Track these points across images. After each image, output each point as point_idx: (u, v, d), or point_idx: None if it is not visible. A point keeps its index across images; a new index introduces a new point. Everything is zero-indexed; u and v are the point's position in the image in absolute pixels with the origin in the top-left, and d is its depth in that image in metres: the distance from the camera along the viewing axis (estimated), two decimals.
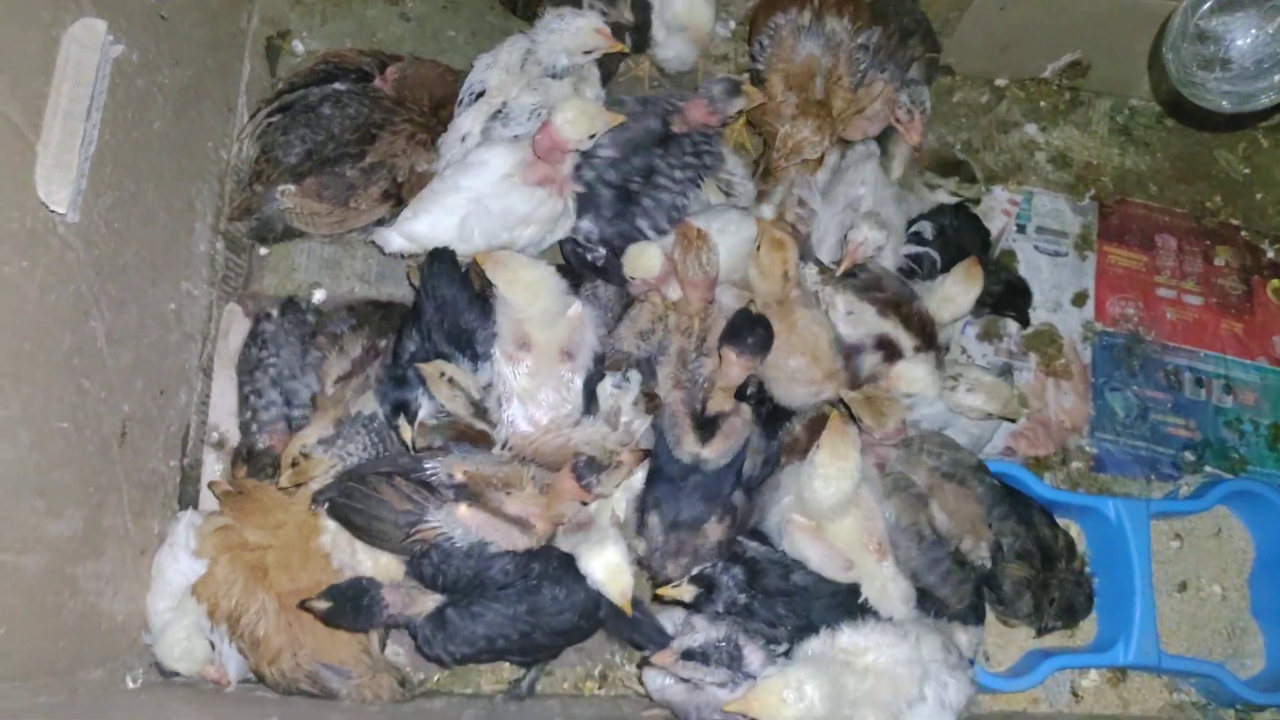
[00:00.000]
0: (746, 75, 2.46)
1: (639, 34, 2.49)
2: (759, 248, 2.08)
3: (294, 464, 1.97)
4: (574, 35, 2.23)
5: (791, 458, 2.17)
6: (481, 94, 2.33)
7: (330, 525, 1.97)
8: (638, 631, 2.01)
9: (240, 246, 2.42)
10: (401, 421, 2.02)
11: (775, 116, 2.36)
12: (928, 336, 2.24)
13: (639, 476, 2.14)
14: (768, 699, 1.71)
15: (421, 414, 2.05)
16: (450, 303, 2.12)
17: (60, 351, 1.69)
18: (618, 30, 2.38)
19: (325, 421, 2.03)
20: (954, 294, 2.26)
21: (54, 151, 1.61)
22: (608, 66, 2.46)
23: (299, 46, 2.64)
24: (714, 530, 2.06)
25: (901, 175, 2.51)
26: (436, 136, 2.34)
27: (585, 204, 2.22)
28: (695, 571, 1.97)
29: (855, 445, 1.99)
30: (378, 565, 1.98)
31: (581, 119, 2.07)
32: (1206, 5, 1.78)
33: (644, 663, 2.02)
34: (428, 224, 2.14)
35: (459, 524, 1.94)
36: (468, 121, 2.32)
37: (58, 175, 1.61)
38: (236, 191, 2.37)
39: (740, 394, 2.11)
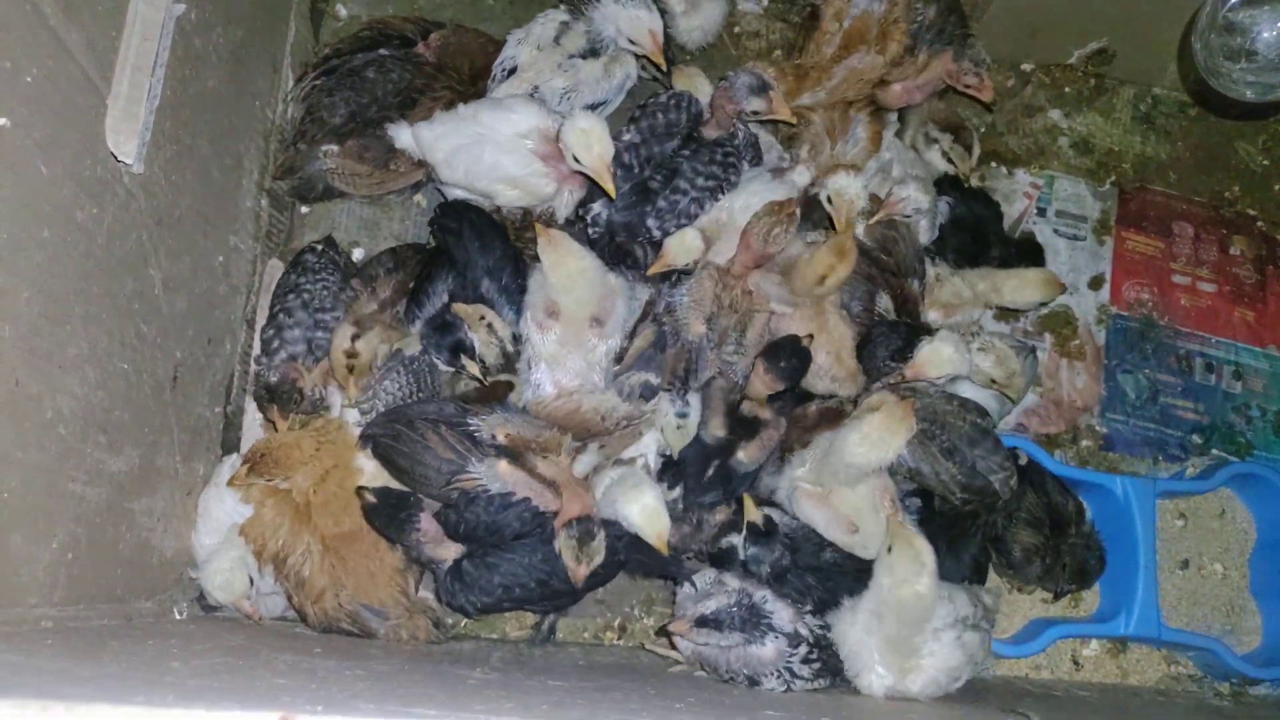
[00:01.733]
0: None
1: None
2: (825, 245, 2.12)
3: (349, 368, 2.05)
4: (629, 22, 2.28)
5: (803, 433, 2.22)
6: (513, 70, 2.39)
7: (369, 466, 2.06)
8: (670, 566, 2.08)
9: (283, 204, 2.50)
10: (466, 361, 2.10)
11: (818, 49, 2.35)
12: (907, 314, 2.32)
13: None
14: None
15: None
16: (490, 250, 2.21)
17: (123, 296, 1.77)
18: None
19: (350, 325, 2.11)
20: (1026, 295, 2.33)
21: (123, 104, 1.68)
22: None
23: (342, 11, 2.70)
24: (722, 513, 2.16)
25: (911, 137, 2.58)
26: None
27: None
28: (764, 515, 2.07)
29: (909, 430, 2.03)
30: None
31: (592, 142, 2.08)
32: None
33: (662, 630, 2.10)
34: (431, 135, 2.21)
35: (498, 478, 2.01)
36: (501, 93, 2.38)
37: (125, 127, 1.68)
38: (280, 150, 2.44)
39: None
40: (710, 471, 2.15)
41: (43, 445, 1.52)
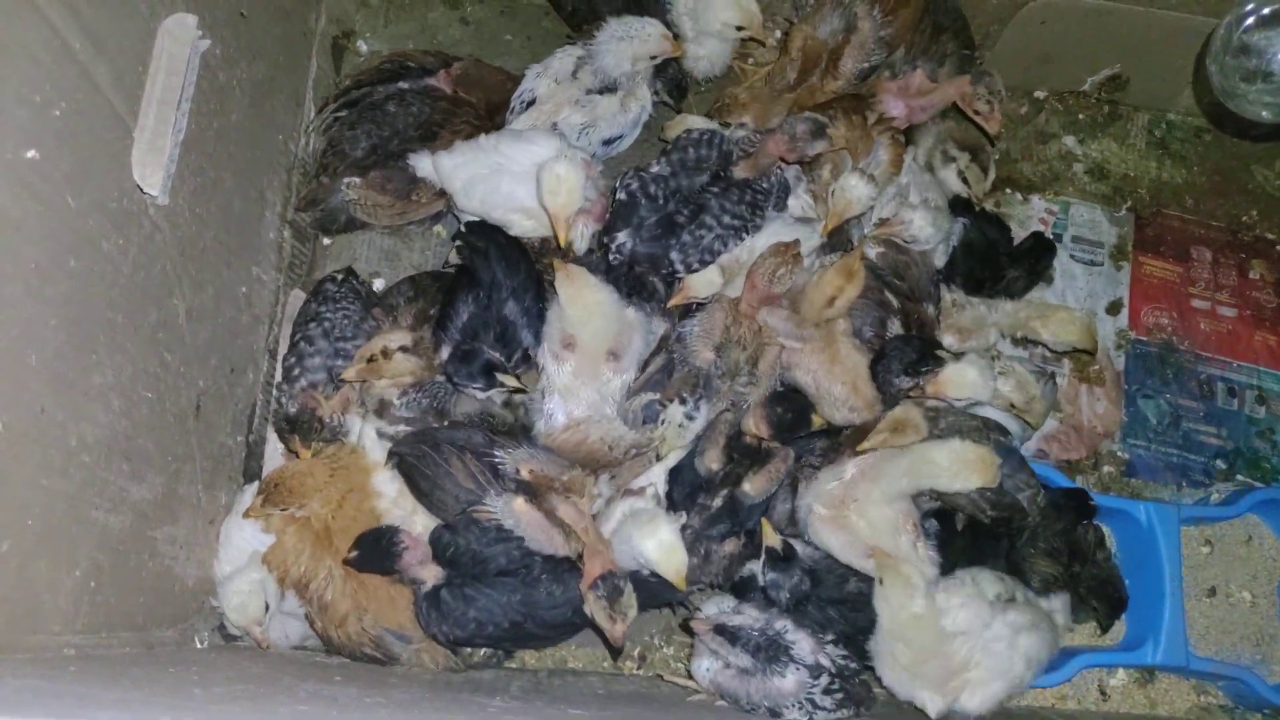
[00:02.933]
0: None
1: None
2: (833, 266, 2.12)
3: (371, 359, 2.07)
4: (644, 42, 2.32)
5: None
6: (532, 102, 2.43)
7: (389, 491, 2.06)
8: (667, 594, 2.06)
9: (305, 236, 2.53)
10: (502, 378, 2.10)
11: (780, 70, 2.45)
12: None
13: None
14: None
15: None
16: (516, 271, 2.23)
17: (147, 325, 1.80)
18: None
19: (406, 334, 2.13)
20: (1069, 334, 2.35)
21: (149, 137, 1.71)
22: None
23: (363, 46, 2.76)
24: (731, 544, 2.15)
25: (927, 154, 2.59)
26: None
27: (627, 215, 2.25)
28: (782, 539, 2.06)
29: (995, 472, 2.01)
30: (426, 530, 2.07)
31: (560, 189, 2.12)
32: (1250, 20, 1.84)
33: (683, 625, 2.08)
34: (451, 164, 2.25)
35: (512, 515, 2.01)
36: (521, 124, 2.42)
37: (151, 160, 1.72)
38: (303, 183, 2.48)
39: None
40: (719, 503, 2.14)
41: (67, 472, 1.54)
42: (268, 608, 2.02)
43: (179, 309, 1.92)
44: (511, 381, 2.08)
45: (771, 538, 2.06)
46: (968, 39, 2.64)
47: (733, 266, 2.24)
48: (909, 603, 1.93)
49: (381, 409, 2.21)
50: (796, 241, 2.14)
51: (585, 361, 2.15)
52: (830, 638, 2.06)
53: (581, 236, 2.35)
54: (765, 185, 2.29)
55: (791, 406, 2.13)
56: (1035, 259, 2.54)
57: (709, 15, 2.47)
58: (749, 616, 1.99)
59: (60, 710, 0.83)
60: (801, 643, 1.98)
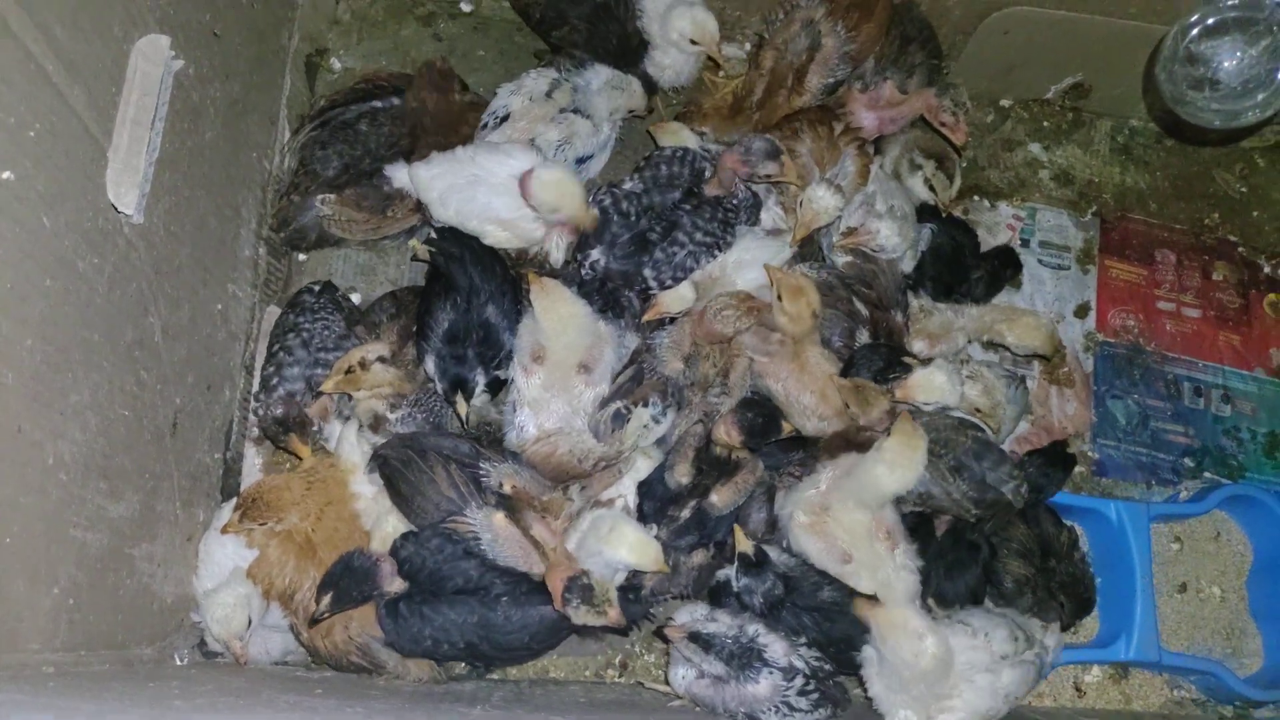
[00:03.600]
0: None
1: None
2: (779, 297, 2.15)
3: (349, 370, 2.09)
4: (632, 97, 2.42)
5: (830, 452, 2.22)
6: (505, 118, 2.45)
7: (367, 491, 2.08)
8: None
9: (280, 252, 2.54)
10: (459, 398, 2.13)
11: (750, 86, 2.50)
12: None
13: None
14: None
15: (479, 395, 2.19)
16: (492, 274, 2.27)
17: (123, 344, 1.81)
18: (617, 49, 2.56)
19: (384, 346, 2.16)
20: (1033, 340, 2.42)
21: (123, 157, 1.73)
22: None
23: (336, 64, 2.78)
24: (699, 556, 2.18)
25: (894, 161, 2.64)
26: None
27: (599, 231, 2.28)
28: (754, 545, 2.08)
29: (924, 437, 2.07)
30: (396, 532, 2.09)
31: (552, 192, 2.18)
32: (1195, 30, 1.90)
33: (659, 631, 2.10)
34: (428, 175, 2.28)
35: (490, 529, 2.03)
36: (495, 139, 2.44)
37: (126, 179, 1.73)
38: (274, 201, 2.49)
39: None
40: (686, 514, 2.16)
41: (44, 491, 1.54)
42: (250, 622, 2.03)
43: (155, 327, 1.93)
44: (462, 409, 2.12)
45: (744, 544, 2.09)
46: (935, 49, 2.69)
47: (706, 281, 2.28)
48: (921, 650, 1.93)
49: (377, 424, 2.22)
50: (761, 302, 2.17)
51: (556, 374, 2.18)
52: (803, 640, 2.08)
53: (557, 248, 2.37)
54: (735, 202, 2.32)
55: (762, 412, 2.16)
56: (1000, 265, 2.59)
57: (669, 25, 2.51)
58: (722, 624, 2.01)
59: None
60: (774, 645, 2.00)
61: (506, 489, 2.07)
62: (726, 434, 2.14)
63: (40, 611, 1.54)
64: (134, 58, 1.77)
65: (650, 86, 2.63)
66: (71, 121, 1.56)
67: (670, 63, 2.60)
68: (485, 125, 2.49)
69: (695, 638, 1.95)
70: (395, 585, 1.99)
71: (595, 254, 2.24)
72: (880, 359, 2.20)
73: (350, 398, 2.24)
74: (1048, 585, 2.30)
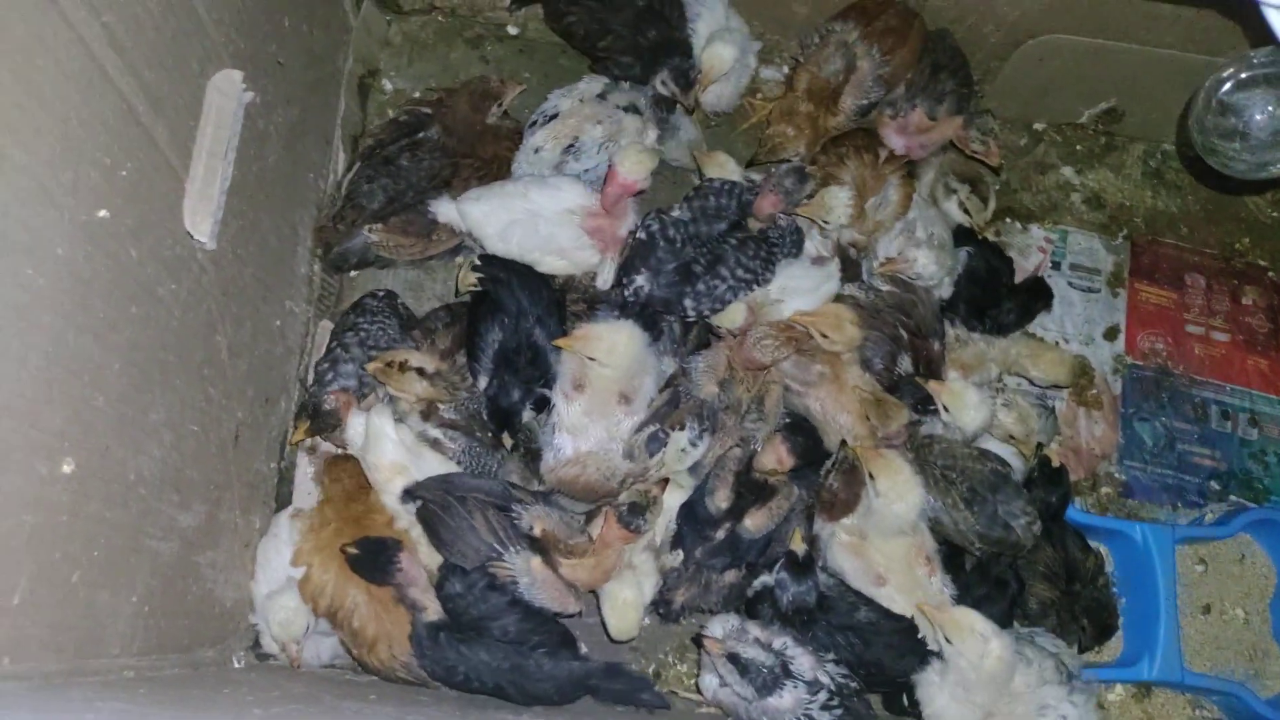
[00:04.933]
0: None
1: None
2: (824, 335, 2.23)
3: (390, 364, 2.18)
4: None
5: (832, 513, 2.27)
6: (554, 117, 2.54)
7: (400, 510, 2.17)
8: (640, 693, 2.14)
9: (333, 269, 2.63)
10: (504, 436, 2.24)
11: (788, 111, 2.54)
12: (929, 375, 2.41)
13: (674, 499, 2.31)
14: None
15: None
16: (539, 298, 2.36)
17: (194, 362, 1.90)
18: (669, 102, 2.63)
19: (432, 360, 2.25)
20: (1056, 374, 2.49)
21: (199, 187, 1.82)
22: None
23: (388, 85, 2.87)
24: (730, 575, 2.24)
25: (930, 186, 2.70)
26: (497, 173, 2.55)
27: (645, 254, 2.32)
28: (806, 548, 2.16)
29: (895, 455, 2.15)
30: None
31: (642, 160, 2.26)
32: (1229, 83, 1.96)
33: (695, 639, 2.18)
34: (482, 211, 2.35)
35: (528, 573, 2.11)
36: (541, 138, 2.53)
37: (201, 208, 1.82)
38: (317, 225, 2.53)
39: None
40: (721, 535, 2.22)
41: (126, 505, 1.64)
42: (308, 627, 2.12)
43: (222, 345, 2.03)
44: (508, 441, 2.23)
45: (799, 544, 2.15)
46: (965, 77, 2.75)
47: (756, 305, 2.34)
48: (987, 651, 1.99)
49: (429, 412, 2.32)
50: (804, 337, 2.24)
51: (596, 401, 2.25)
52: (831, 657, 2.13)
53: (607, 271, 2.44)
54: (778, 235, 2.38)
55: (811, 436, 2.22)
56: (1032, 298, 2.65)
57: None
58: (758, 649, 2.06)
59: None
60: (801, 659, 2.05)
61: (537, 531, 2.14)
62: (778, 460, 2.19)
63: (121, 618, 1.64)
64: (210, 92, 1.86)
65: (686, 77, 2.62)
66: (155, 157, 1.65)
67: (713, 95, 2.67)
68: (534, 123, 2.58)
69: (734, 659, 2.02)
70: (431, 602, 2.06)
71: (640, 280, 2.30)
72: (922, 391, 2.26)
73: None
74: (1071, 609, 2.36)
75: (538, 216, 2.31)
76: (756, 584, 2.24)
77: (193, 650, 1.97)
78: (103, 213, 1.47)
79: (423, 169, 2.51)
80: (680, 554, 2.24)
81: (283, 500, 2.41)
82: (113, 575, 1.60)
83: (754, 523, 2.20)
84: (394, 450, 2.16)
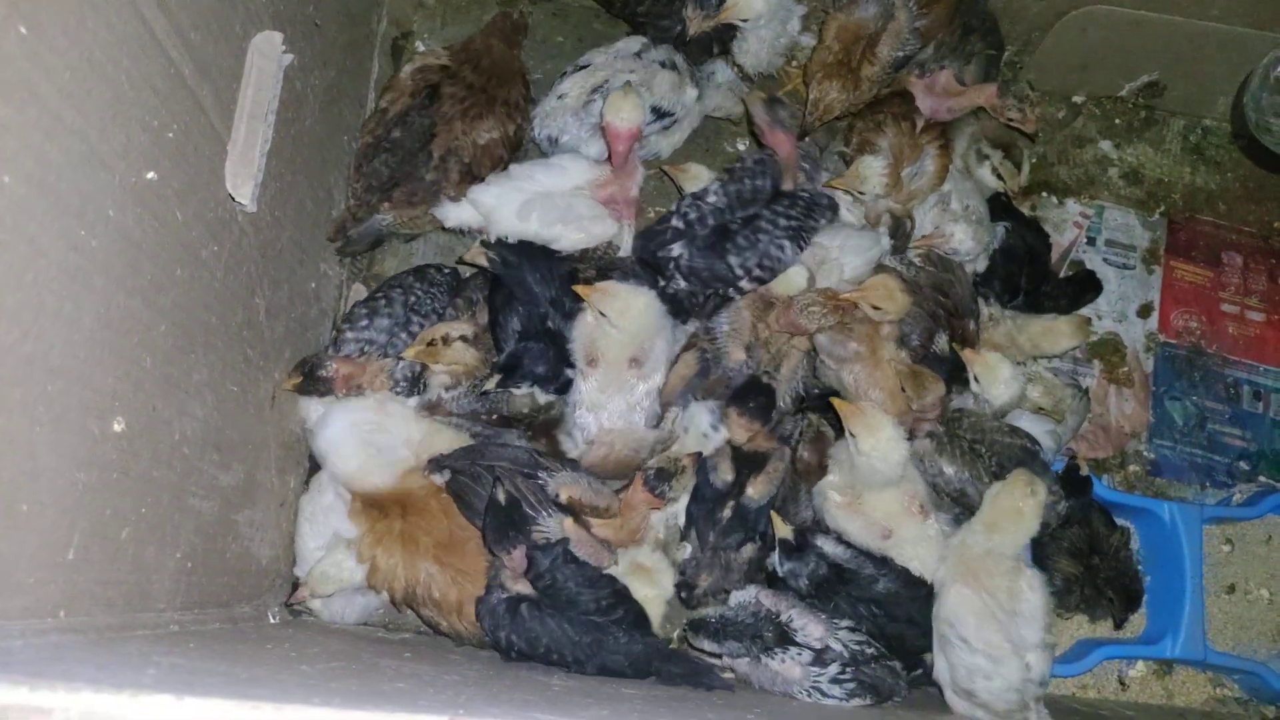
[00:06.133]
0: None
1: (722, 42, 2.63)
2: (876, 307, 2.23)
3: (431, 342, 2.18)
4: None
5: (809, 479, 2.31)
6: (584, 67, 2.52)
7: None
8: (702, 677, 2.11)
9: None
10: (511, 384, 2.24)
11: (819, 63, 2.50)
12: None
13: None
14: None
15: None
16: (549, 281, 2.35)
17: (235, 324, 1.92)
18: (704, 40, 2.57)
19: (470, 326, 2.27)
20: (1060, 340, 2.45)
21: (240, 150, 1.82)
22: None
23: (420, 47, 2.85)
24: (748, 550, 2.25)
25: (963, 153, 2.67)
26: (492, 103, 2.49)
27: (683, 236, 2.32)
28: (793, 530, 2.18)
29: (879, 412, 2.16)
30: None
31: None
32: None
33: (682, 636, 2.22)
34: (494, 195, 2.34)
35: (562, 533, 2.12)
36: (568, 85, 2.52)
37: (243, 171, 1.83)
38: (338, 221, 2.48)
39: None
40: (728, 513, 2.23)
41: (171, 464, 1.67)
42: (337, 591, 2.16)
43: (260, 307, 2.05)
44: (519, 396, 2.22)
45: (782, 529, 2.17)
46: (996, 40, 2.70)
47: (814, 264, 2.32)
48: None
49: (434, 408, 2.32)
50: (852, 305, 2.23)
51: (611, 373, 2.25)
52: (847, 623, 2.14)
53: (627, 236, 2.44)
54: (809, 195, 2.37)
55: (756, 391, 2.21)
56: (1082, 289, 2.63)
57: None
58: (738, 600, 2.09)
59: (224, 690, 0.96)
60: (809, 627, 2.07)
61: (564, 498, 2.15)
62: (745, 430, 2.20)
63: (166, 574, 1.68)
64: (251, 54, 1.86)
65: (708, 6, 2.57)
66: (201, 119, 1.66)
67: (752, 48, 2.62)
68: (565, 74, 2.57)
69: (698, 627, 2.04)
70: (520, 586, 2.06)
71: (677, 248, 2.29)
72: (953, 363, 2.26)
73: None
74: (1094, 583, 2.37)
75: (552, 195, 2.32)
76: (768, 563, 2.26)
77: (231, 606, 2.01)
78: (151, 175, 1.48)
79: (413, 132, 2.46)
80: (689, 546, 2.26)
81: (316, 463, 2.44)
82: (159, 532, 1.64)
83: (756, 490, 2.21)
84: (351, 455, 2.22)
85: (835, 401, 2.18)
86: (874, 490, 2.20)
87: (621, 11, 2.72)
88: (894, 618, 2.16)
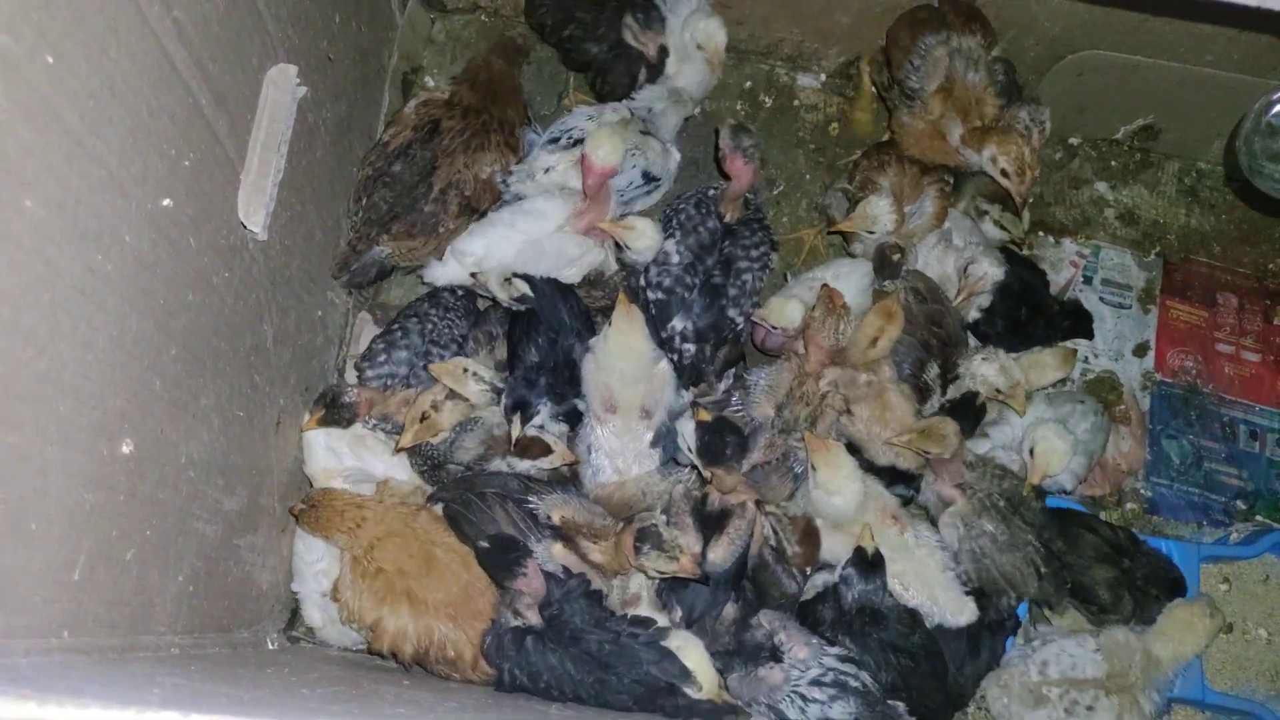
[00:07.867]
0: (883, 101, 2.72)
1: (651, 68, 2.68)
2: (880, 328, 2.26)
3: (423, 418, 2.18)
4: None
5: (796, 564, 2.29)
6: (578, 141, 2.52)
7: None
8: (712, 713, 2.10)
9: None
10: (515, 419, 2.23)
11: (937, 135, 2.50)
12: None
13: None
14: None
15: (536, 421, 2.27)
16: (576, 314, 2.39)
17: (243, 349, 1.95)
18: (639, 59, 2.64)
19: (487, 365, 2.30)
20: (1046, 372, 2.47)
21: (253, 179, 1.86)
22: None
23: (430, 82, 2.91)
24: (730, 611, 2.21)
25: (965, 206, 2.70)
26: (489, 132, 2.53)
27: (674, 306, 2.39)
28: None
29: (841, 449, 2.18)
30: None
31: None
32: (1278, 106, 1.97)
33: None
34: (481, 245, 2.38)
35: (552, 560, 2.13)
36: (555, 159, 2.52)
37: (254, 200, 1.86)
38: (341, 257, 2.50)
39: None
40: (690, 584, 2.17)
41: (177, 487, 1.68)
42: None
43: (268, 334, 2.07)
44: (515, 431, 2.20)
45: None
46: (1010, 64, 2.71)
47: (809, 296, 2.36)
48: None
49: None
50: (837, 293, 2.27)
51: (628, 420, 2.28)
52: (838, 651, 2.10)
53: (609, 260, 2.50)
54: (756, 211, 2.44)
55: (726, 433, 2.14)
56: (1075, 321, 2.66)
57: (684, 35, 2.58)
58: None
59: (221, 708, 0.97)
60: (796, 649, 2.05)
61: (555, 520, 2.16)
62: (729, 473, 2.13)
63: (168, 596, 1.68)
64: (266, 86, 1.90)
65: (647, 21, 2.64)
66: (216, 149, 1.70)
67: (690, 81, 2.68)
68: (555, 139, 2.60)
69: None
70: (531, 616, 2.03)
71: (677, 322, 2.36)
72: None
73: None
74: (1133, 583, 2.37)
75: (540, 241, 2.36)
76: (818, 582, 2.24)
77: (231, 630, 2.01)
78: (167, 202, 1.51)
79: (414, 167, 2.49)
80: (678, 612, 2.20)
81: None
82: (163, 555, 1.65)
83: (717, 554, 2.13)
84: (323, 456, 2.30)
85: (806, 435, 2.20)
86: (827, 530, 2.24)
87: (550, 38, 2.78)
88: (920, 673, 2.16)
